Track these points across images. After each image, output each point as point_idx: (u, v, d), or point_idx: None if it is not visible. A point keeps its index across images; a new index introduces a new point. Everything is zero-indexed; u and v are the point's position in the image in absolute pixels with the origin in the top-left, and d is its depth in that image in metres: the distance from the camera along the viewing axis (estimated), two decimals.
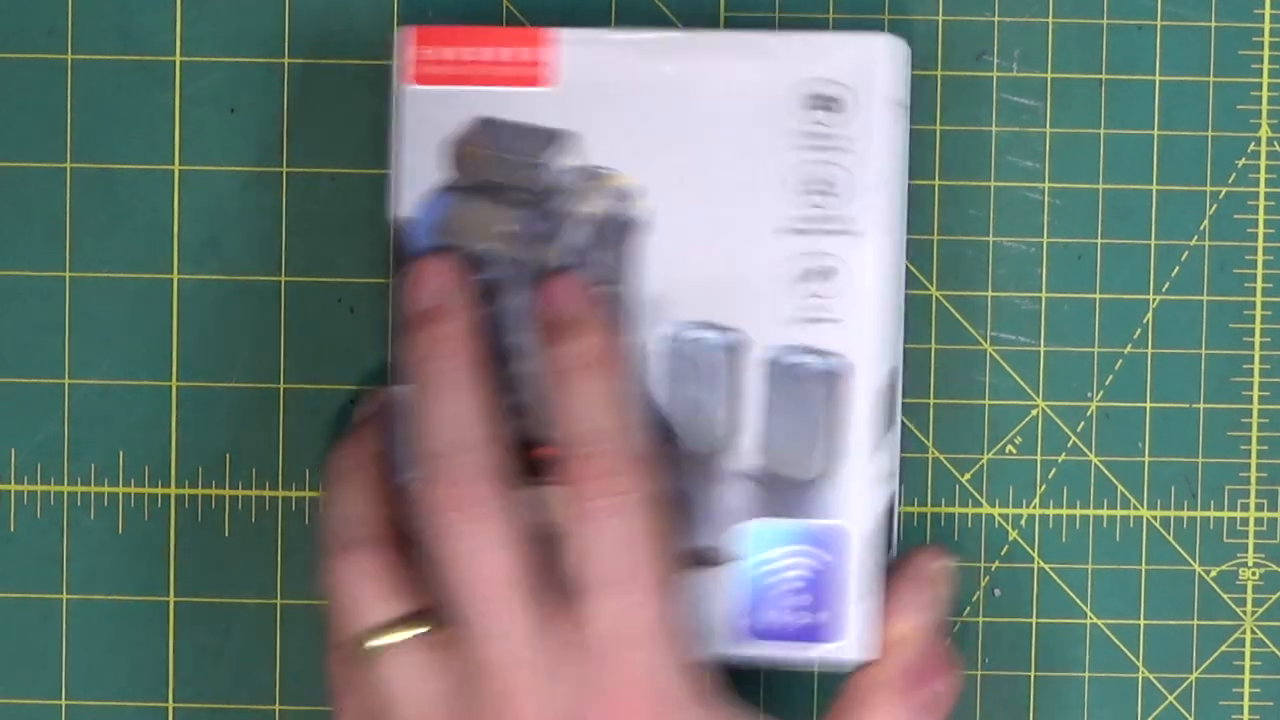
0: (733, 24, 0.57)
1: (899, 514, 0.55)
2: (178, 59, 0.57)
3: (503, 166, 0.53)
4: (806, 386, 0.53)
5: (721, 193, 0.53)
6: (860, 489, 0.53)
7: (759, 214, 0.53)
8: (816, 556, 0.53)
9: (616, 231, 0.53)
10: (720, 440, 0.53)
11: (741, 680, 0.54)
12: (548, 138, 0.53)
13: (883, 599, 0.53)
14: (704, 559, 0.53)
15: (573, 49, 0.53)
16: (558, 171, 0.53)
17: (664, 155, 0.53)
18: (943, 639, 0.54)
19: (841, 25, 0.57)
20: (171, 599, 0.57)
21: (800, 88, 0.53)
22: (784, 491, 0.53)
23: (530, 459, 0.51)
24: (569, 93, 0.53)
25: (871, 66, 0.53)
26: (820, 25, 0.57)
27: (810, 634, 0.53)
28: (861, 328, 0.53)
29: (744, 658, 0.53)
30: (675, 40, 0.53)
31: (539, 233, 0.53)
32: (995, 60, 0.57)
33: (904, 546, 0.57)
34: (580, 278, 0.52)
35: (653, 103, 0.53)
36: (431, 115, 0.53)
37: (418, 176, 0.53)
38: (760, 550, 0.53)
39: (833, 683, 0.56)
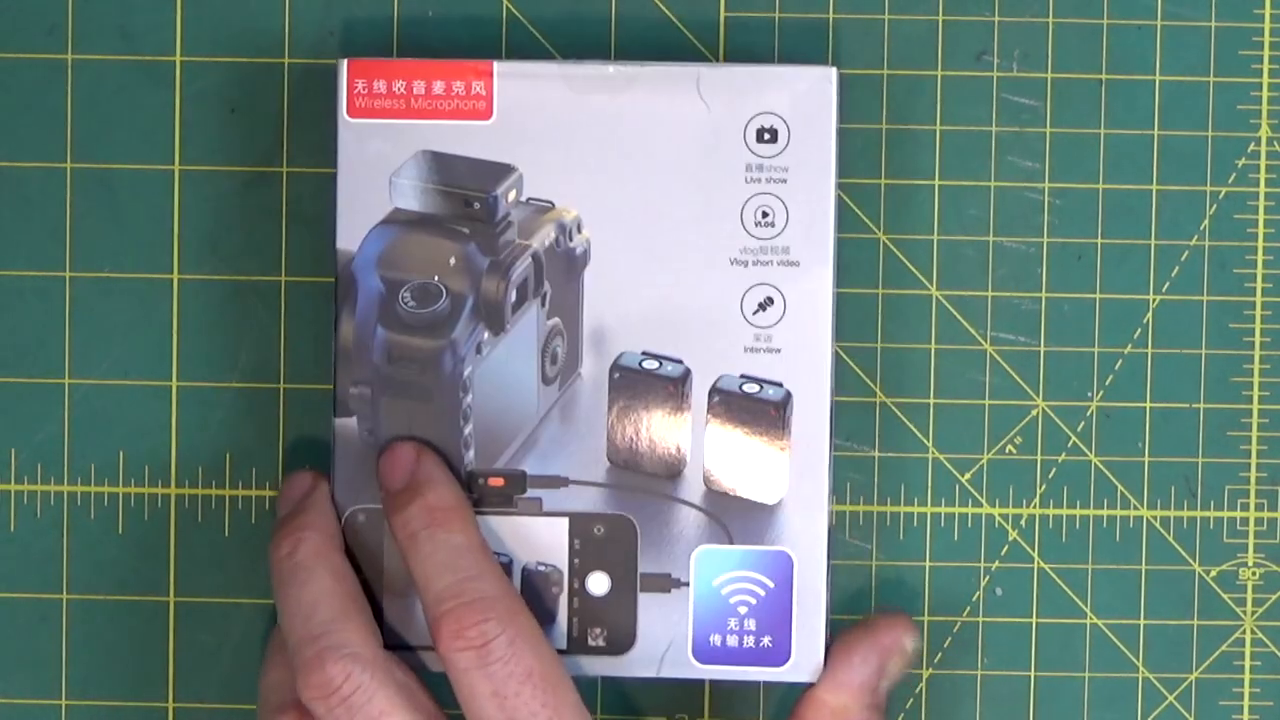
0: (733, 23, 0.57)
1: (833, 533, 0.56)
2: (178, 59, 0.57)
3: (444, 199, 0.54)
4: (754, 415, 0.53)
5: (664, 225, 0.53)
6: (804, 516, 0.53)
7: (702, 246, 0.53)
8: (761, 583, 0.53)
9: (562, 263, 0.54)
10: (672, 468, 0.54)
11: (690, 692, 0.55)
12: (489, 171, 0.54)
13: (826, 622, 0.54)
14: (657, 585, 0.53)
15: (509, 82, 0.53)
16: (501, 204, 0.54)
17: (605, 188, 0.54)
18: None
19: (841, 25, 0.57)
20: (171, 599, 0.57)
21: (738, 122, 0.53)
22: (733, 517, 0.54)
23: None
24: (507, 125, 0.54)
25: (809, 101, 0.53)
26: (819, 26, 0.57)
27: (756, 658, 0.54)
28: (804, 357, 0.53)
29: (692, 679, 0.55)
30: (610, 73, 0.53)
31: (481, 266, 0.53)
32: (995, 60, 0.57)
33: (904, 547, 0.57)
34: (412, 443, 0.53)
35: (591, 135, 0.53)
36: (371, 148, 0.54)
37: (358, 209, 0.54)
38: (710, 576, 0.54)
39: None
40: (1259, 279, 0.57)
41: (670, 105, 0.53)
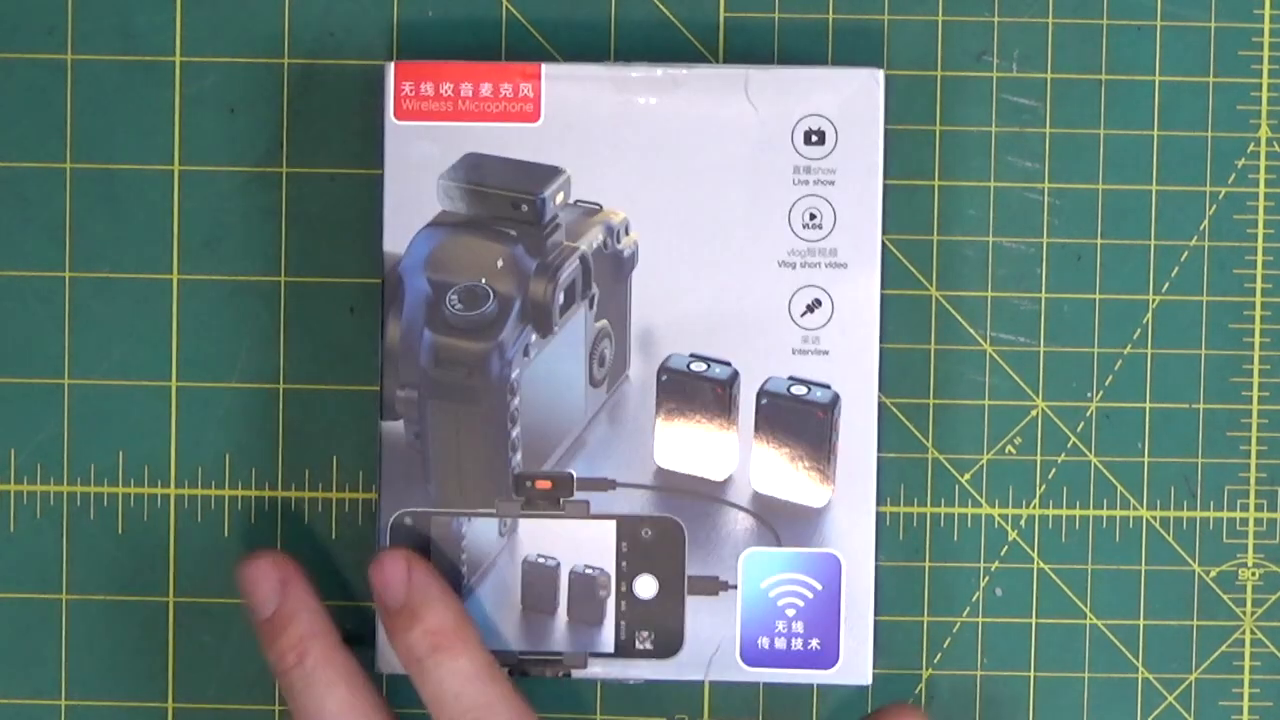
0: (732, 24, 0.57)
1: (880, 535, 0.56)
2: (178, 59, 0.57)
3: (491, 202, 0.54)
4: (801, 418, 0.53)
5: (712, 227, 0.54)
6: (852, 518, 0.54)
7: (750, 248, 0.54)
8: (809, 585, 0.54)
9: (610, 265, 0.54)
10: (719, 471, 0.54)
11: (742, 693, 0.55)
12: (537, 173, 0.54)
13: (873, 624, 0.54)
14: (705, 588, 0.53)
15: (557, 84, 0.54)
16: (549, 206, 0.54)
17: (653, 190, 0.54)
18: None
19: (841, 25, 0.57)
20: (171, 599, 0.57)
21: (786, 124, 0.53)
22: (780, 520, 0.54)
23: None
24: (554, 128, 0.54)
25: (857, 103, 0.54)
26: (819, 26, 0.57)
27: (804, 661, 0.54)
28: (852, 359, 0.54)
29: (741, 682, 0.55)
30: (658, 76, 0.53)
31: (529, 268, 0.53)
32: (995, 60, 0.57)
33: (904, 547, 0.57)
34: (403, 554, 0.52)
35: (639, 137, 0.54)
36: (417, 150, 0.54)
37: (406, 212, 0.54)
38: (758, 578, 0.54)
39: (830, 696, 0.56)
40: (1259, 279, 0.57)
41: (718, 107, 0.54)
